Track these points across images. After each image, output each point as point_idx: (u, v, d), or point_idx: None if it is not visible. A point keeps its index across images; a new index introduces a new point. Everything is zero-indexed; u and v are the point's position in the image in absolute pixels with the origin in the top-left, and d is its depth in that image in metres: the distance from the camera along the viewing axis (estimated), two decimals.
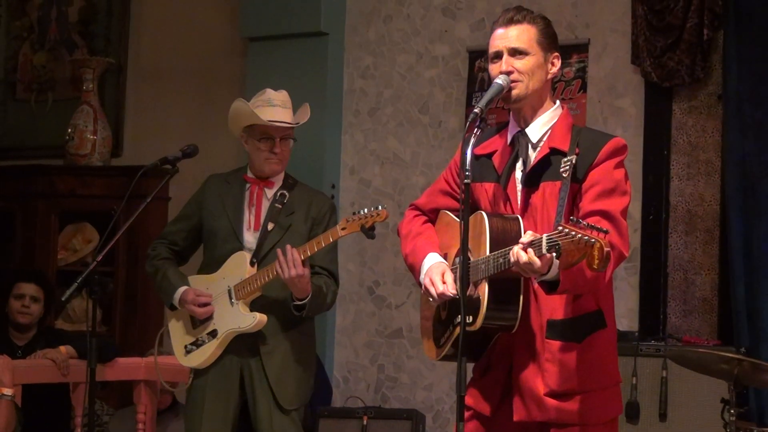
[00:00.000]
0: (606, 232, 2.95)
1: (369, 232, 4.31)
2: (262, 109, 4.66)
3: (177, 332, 4.76)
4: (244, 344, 4.61)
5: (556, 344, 3.35)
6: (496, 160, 3.49)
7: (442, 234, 3.61)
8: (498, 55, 3.44)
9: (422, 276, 3.51)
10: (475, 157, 3.34)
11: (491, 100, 3.34)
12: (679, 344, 5.43)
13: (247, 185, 4.75)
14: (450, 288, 3.40)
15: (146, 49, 7.41)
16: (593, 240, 2.92)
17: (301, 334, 4.69)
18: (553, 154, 3.38)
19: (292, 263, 4.39)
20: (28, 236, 7.10)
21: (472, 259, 3.33)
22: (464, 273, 3.19)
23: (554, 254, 3.04)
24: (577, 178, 3.33)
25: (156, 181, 4.70)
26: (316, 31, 6.59)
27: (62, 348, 5.40)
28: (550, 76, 3.47)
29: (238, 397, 4.67)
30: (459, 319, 3.22)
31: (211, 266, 4.72)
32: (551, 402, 3.34)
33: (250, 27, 6.77)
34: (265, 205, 4.70)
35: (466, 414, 3.44)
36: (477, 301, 3.30)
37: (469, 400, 3.45)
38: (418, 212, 3.73)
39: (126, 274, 6.91)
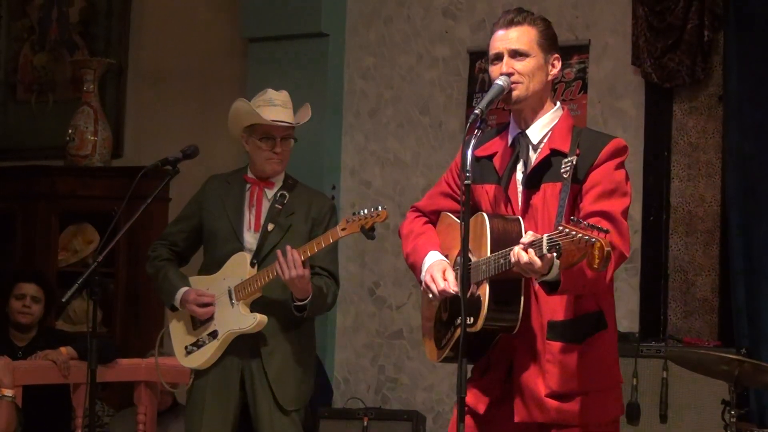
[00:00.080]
0: (606, 232, 2.95)
1: (369, 232, 4.30)
2: (264, 109, 4.67)
3: (178, 333, 4.76)
4: (244, 345, 4.61)
5: (556, 345, 3.35)
6: (496, 161, 3.49)
7: (443, 235, 3.61)
8: (498, 57, 3.44)
9: (423, 274, 3.51)
10: (475, 158, 3.35)
11: (492, 101, 3.35)
12: (679, 345, 5.42)
13: (248, 186, 4.75)
14: (451, 285, 3.40)
15: (147, 50, 7.41)
16: (594, 239, 2.92)
17: (301, 334, 4.69)
18: (554, 156, 3.38)
19: (292, 264, 4.39)
20: (29, 237, 7.10)
21: (473, 260, 3.34)
22: (465, 274, 3.19)
23: (555, 254, 3.04)
24: (578, 178, 3.33)
25: (156, 182, 4.69)
26: (317, 32, 6.59)
27: (63, 349, 5.40)
28: (550, 78, 3.47)
29: (239, 397, 4.67)
30: (460, 320, 3.23)
31: (211, 267, 4.72)
32: (552, 403, 3.34)
33: (250, 28, 6.77)
34: (266, 206, 4.70)
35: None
36: (478, 302, 3.30)
37: (467, 399, 3.45)
38: (419, 214, 3.73)
39: (126, 275, 6.91)
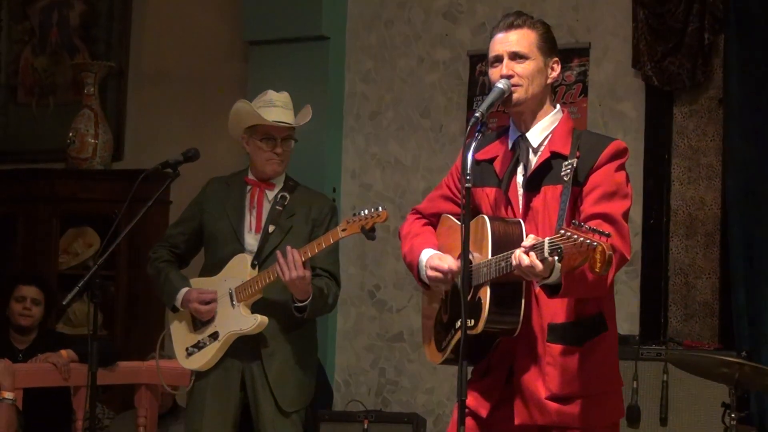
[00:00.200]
0: (608, 236, 2.95)
1: (369, 233, 4.31)
2: (264, 110, 4.68)
3: (178, 335, 4.76)
4: (245, 346, 4.61)
5: (557, 348, 3.35)
6: (497, 164, 3.49)
7: (443, 237, 3.62)
8: (498, 59, 3.45)
9: (422, 271, 3.51)
10: (476, 162, 3.35)
11: (492, 104, 3.35)
12: (680, 348, 5.42)
13: (248, 187, 4.75)
14: (455, 264, 3.39)
15: (147, 52, 7.42)
16: (595, 243, 2.92)
17: (302, 336, 4.69)
18: (554, 158, 3.39)
19: (292, 265, 4.40)
20: (30, 240, 7.10)
21: (473, 262, 3.34)
22: (465, 276, 3.19)
23: (556, 258, 3.04)
24: (578, 181, 3.34)
25: (157, 184, 4.70)
26: (318, 35, 6.60)
27: (63, 352, 5.40)
28: (550, 81, 3.48)
29: (239, 399, 4.67)
30: (460, 322, 3.23)
31: (212, 269, 4.72)
32: (552, 405, 3.34)
33: (251, 31, 6.77)
34: (266, 208, 4.71)
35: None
36: (479, 305, 3.30)
37: (467, 401, 3.45)
38: (419, 216, 3.74)
39: (127, 277, 6.91)
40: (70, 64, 7.45)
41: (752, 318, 5.52)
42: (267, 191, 4.73)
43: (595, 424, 3.38)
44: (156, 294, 4.95)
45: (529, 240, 3.13)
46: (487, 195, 3.49)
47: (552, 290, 3.20)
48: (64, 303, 4.49)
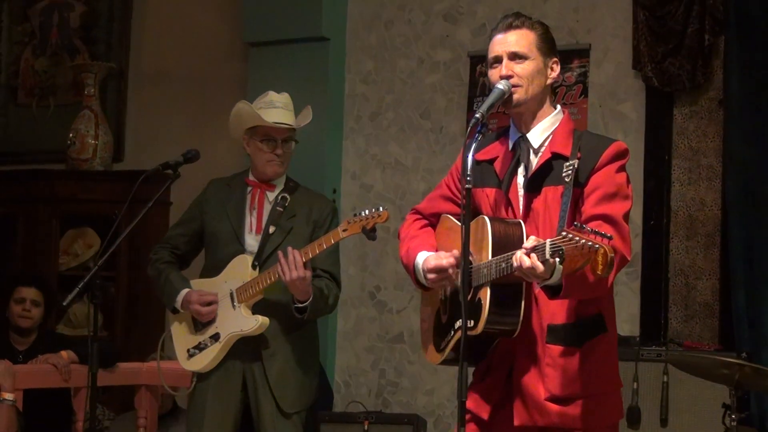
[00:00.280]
0: (610, 238, 2.94)
1: (370, 233, 4.30)
2: (265, 111, 4.68)
3: (179, 336, 4.76)
4: (246, 347, 4.61)
5: (556, 349, 3.35)
6: (497, 165, 3.50)
7: (443, 238, 3.62)
8: (498, 60, 3.45)
9: (419, 274, 3.51)
10: (476, 162, 3.35)
11: (493, 105, 3.35)
12: (680, 349, 5.42)
13: (249, 188, 4.76)
14: (453, 257, 3.39)
15: (148, 54, 7.42)
16: (597, 246, 2.92)
17: (303, 337, 4.69)
18: (555, 159, 3.39)
19: (293, 265, 4.40)
20: (30, 241, 7.10)
21: (473, 263, 3.34)
22: (465, 277, 3.19)
23: (557, 260, 3.03)
24: (579, 182, 3.34)
25: (157, 185, 4.70)
26: (318, 36, 6.60)
27: (63, 353, 5.40)
28: (549, 81, 3.48)
29: (241, 400, 4.67)
30: (460, 323, 3.23)
31: (212, 270, 4.72)
32: (552, 407, 3.34)
33: (251, 32, 6.77)
34: (267, 209, 4.71)
35: (466, 418, 3.44)
36: (478, 306, 3.30)
37: (468, 404, 3.45)
38: (418, 216, 3.74)
39: (127, 278, 6.91)
40: (70, 65, 7.45)
41: (752, 319, 5.53)
42: (268, 192, 4.74)
43: (595, 425, 3.38)
44: (156, 295, 4.95)
45: (530, 241, 3.13)
46: (487, 195, 3.49)
47: (552, 291, 3.20)
48: (64, 304, 4.49)
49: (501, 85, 3.40)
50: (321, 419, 5.91)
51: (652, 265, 5.90)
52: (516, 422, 3.38)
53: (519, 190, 3.44)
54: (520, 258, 3.12)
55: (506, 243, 3.29)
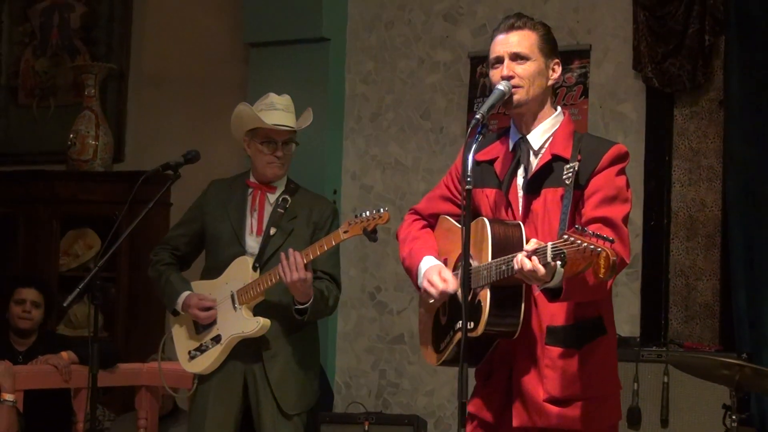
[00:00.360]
0: (612, 241, 2.94)
1: (371, 234, 4.30)
2: (265, 113, 4.67)
3: (181, 338, 4.76)
4: (247, 349, 4.61)
5: (556, 350, 3.35)
6: (497, 166, 3.49)
7: (442, 239, 3.61)
8: (499, 60, 3.44)
9: (420, 279, 3.51)
10: (476, 162, 3.35)
11: (493, 106, 3.35)
12: (680, 350, 5.42)
13: (250, 190, 4.75)
14: (450, 285, 3.39)
15: (148, 54, 7.42)
16: (599, 249, 2.91)
17: (304, 338, 4.69)
18: (555, 161, 3.38)
19: (294, 267, 4.39)
20: (30, 242, 7.10)
21: (473, 265, 3.33)
22: (465, 279, 3.19)
23: (559, 263, 3.03)
24: (579, 184, 3.33)
25: (158, 186, 4.70)
26: (318, 37, 6.60)
27: (64, 353, 5.41)
28: (550, 83, 3.48)
29: (242, 402, 4.67)
30: (460, 324, 3.22)
31: (213, 271, 4.72)
32: (551, 408, 3.34)
33: (251, 33, 6.77)
34: (268, 210, 4.71)
35: (472, 424, 3.44)
36: (478, 307, 3.30)
37: (472, 408, 3.45)
38: (417, 217, 3.73)
39: (128, 279, 6.91)
40: (70, 65, 7.45)
41: (753, 320, 5.52)
42: (268, 194, 4.73)
43: (594, 426, 3.39)
44: (157, 296, 4.95)
45: (531, 244, 3.13)
46: (487, 196, 3.49)
47: (552, 294, 3.20)
48: (64, 305, 4.48)
49: (501, 86, 3.39)
50: (321, 420, 5.90)
51: (653, 266, 5.90)
52: (515, 423, 3.38)
53: (518, 191, 3.44)
54: (522, 261, 3.11)
55: (506, 245, 3.28)
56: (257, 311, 4.59)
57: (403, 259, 3.64)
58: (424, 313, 3.65)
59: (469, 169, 3.20)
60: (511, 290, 3.29)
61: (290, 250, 4.43)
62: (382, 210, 4.30)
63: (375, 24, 6.69)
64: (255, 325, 4.55)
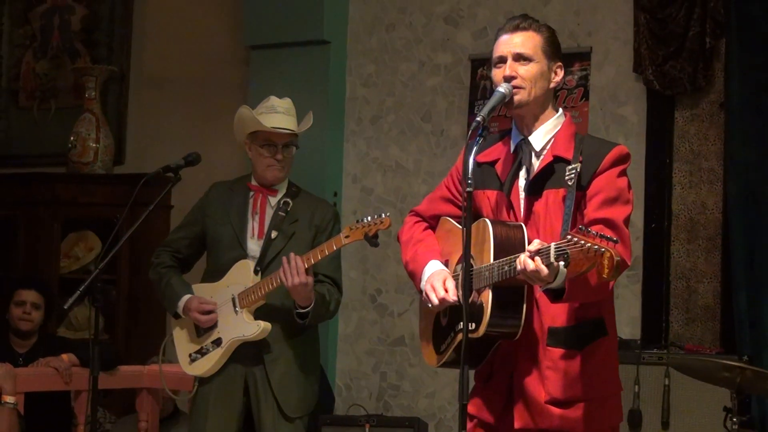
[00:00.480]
0: (616, 241, 2.94)
1: (372, 240, 4.30)
2: (266, 116, 4.68)
3: (182, 341, 4.76)
4: (248, 352, 4.61)
5: (557, 352, 3.35)
6: (498, 167, 3.49)
7: (443, 241, 3.61)
8: (502, 60, 3.44)
9: (423, 283, 3.51)
10: (477, 164, 3.35)
11: (493, 109, 3.35)
12: (681, 352, 5.42)
13: (251, 193, 4.75)
14: (451, 294, 3.40)
15: (149, 57, 7.42)
16: (603, 249, 2.91)
17: (304, 341, 4.69)
18: (557, 162, 3.39)
19: (295, 271, 4.39)
20: (31, 244, 7.10)
21: (474, 266, 3.33)
22: (466, 280, 3.19)
23: (562, 263, 3.03)
24: (581, 185, 3.33)
25: (158, 189, 4.70)
26: (319, 40, 6.60)
27: (64, 356, 5.41)
28: (552, 85, 3.48)
29: (242, 405, 4.67)
30: (461, 325, 3.22)
31: (214, 274, 4.72)
32: (552, 409, 3.34)
33: (252, 35, 6.78)
34: (269, 213, 4.71)
35: (471, 423, 3.44)
36: (480, 309, 3.30)
37: (472, 409, 3.45)
38: (418, 218, 3.73)
39: (128, 282, 6.91)
40: (71, 68, 7.45)
41: (754, 322, 5.52)
42: (270, 197, 4.74)
43: (595, 428, 3.39)
44: (157, 299, 4.95)
45: (534, 245, 3.13)
46: (488, 198, 3.49)
47: (555, 295, 3.20)
48: (65, 307, 4.49)
49: (502, 88, 3.40)
50: (322, 422, 5.90)
51: (654, 268, 5.89)
52: (516, 425, 3.38)
53: (520, 192, 3.44)
54: (524, 261, 3.11)
55: (508, 246, 3.28)
56: (258, 315, 4.59)
57: (406, 263, 3.64)
58: (425, 314, 3.65)
59: (470, 170, 3.20)
60: (513, 291, 3.29)
61: (291, 255, 4.43)
62: (383, 215, 4.30)
63: (376, 26, 6.69)
64: (256, 328, 4.55)
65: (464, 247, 3.18)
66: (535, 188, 3.40)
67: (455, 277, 3.45)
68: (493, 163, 3.51)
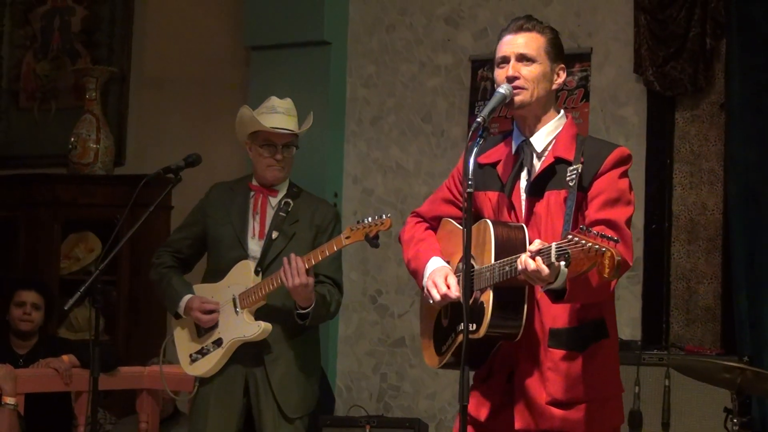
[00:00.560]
0: (616, 241, 2.94)
1: (373, 241, 4.30)
2: (265, 116, 4.68)
3: (182, 341, 4.76)
4: (248, 353, 4.61)
5: (558, 353, 3.35)
6: (500, 169, 3.49)
7: (444, 242, 3.61)
8: (505, 60, 3.45)
9: (425, 279, 3.51)
10: (478, 165, 3.35)
11: (494, 110, 3.35)
12: (682, 353, 5.42)
13: (252, 193, 4.75)
14: (453, 290, 3.39)
15: (149, 58, 7.42)
16: (604, 249, 2.91)
17: (305, 342, 4.69)
18: (558, 164, 3.39)
19: (296, 272, 4.39)
20: (31, 245, 7.10)
21: (475, 266, 3.33)
22: (467, 281, 3.19)
23: (563, 263, 3.03)
24: (583, 186, 3.33)
25: (159, 190, 4.70)
26: (319, 41, 6.60)
27: (65, 357, 5.41)
28: (555, 87, 3.48)
29: (243, 405, 4.67)
30: (462, 326, 3.22)
31: (215, 274, 4.72)
32: (553, 410, 3.34)
33: (252, 36, 6.78)
34: (270, 214, 4.71)
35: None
36: (481, 309, 3.29)
37: (468, 408, 3.44)
38: (419, 219, 3.73)
39: (129, 283, 6.91)
40: (71, 69, 7.45)
41: (754, 323, 5.52)
42: (270, 197, 4.74)
43: (596, 429, 3.38)
44: (159, 299, 4.95)
45: (535, 245, 3.13)
46: (489, 199, 3.49)
47: (556, 295, 3.20)
48: (66, 308, 4.49)
49: (502, 90, 3.40)
50: (323, 423, 5.90)
51: (654, 269, 5.90)
52: (517, 426, 3.38)
53: (521, 193, 3.44)
54: (525, 261, 3.11)
55: (509, 246, 3.28)
56: (259, 315, 4.59)
57: (408, 261, 3.64)
58: (426, 314, 3.65)
59: (470, 172, 3.20)
60: (514, 292, 3.29)
61: (292, 255, 4.43)
62: (384, 216, 4.30)
63: (376, 27, 6.69)
64: (256, 329, 4.55)
65: (464, 248, 3.18)
66: (536, 189, 3.40)
67: (457, 277, 3.45)
68: (494, 165, 3.51)
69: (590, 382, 3.35)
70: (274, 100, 4.74)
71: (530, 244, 3.20)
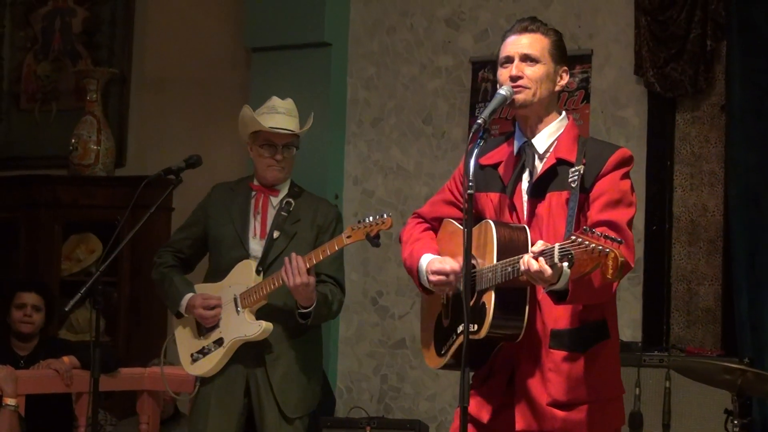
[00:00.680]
0: (620, 242, 2.94)
1: (374, 240, 4.30)
2: (266, 116, 4.68)
3: (183, 341, 4.76)
4: (249, 352, 4.61)
5: (559, 354, 3.35)
6: (501, 170, 3.50)
7: (446, 242, 3.61)
8: (509, 60, 3.45)
9: (422, 276, 3.51)
10: (480, 167, 3.35)
11: (495, 111, 3.35)
12: (682, 355, 5.42)
13: (253, 193, 4.76)
14: (456, 264, 3.39)
15: (150, 59, 7.42)
16: (608, 250, 2.91)
17: (306, 342, 4.69)
18: (560, 165, 3.39)
19: (297, 271, 4.40)
20: (32, 246, 7.10)
21: (477, 267, 3.34)
22: (467, 282, 3.19)
23: (566, 264, 3.03)
24: (584, 188, 3.34)
25: (159, 191, 4.70)
26: (320, 42, 6.60)
27: (65, 358, 5.41)
28: (557, 88, 3.49)
29: (243, 405, 4.67)
30: (462, 327, 3.22)
31: (216, 274, 4.72)
32: (554, 412, 3.34)
33: (253, 37, 6.78)
34: (271, 213, 4.71)
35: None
36: (482, 310, 3.29)
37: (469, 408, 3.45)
38: (420, 220, 3.74)
39: (129, 284, 6.91)
40: (72, 70, 7.46)
41: (755, 324, 5.52)
42: (272, 197, 4.74)
43: (597, 430, 3.38)
44: (160, 299, 4.95)
45: (538, 245, 3.13)
46: (491, 200, 3.49)
47: (558, 296, 3.20)
48: (66, 309, 4.50)
49: (503, 91, 3.40)
50: (323, 424, 5.91)
51: (655, 271, 5.90)
52: (518, 427, 3.38)
53: (523, 195, 3.44)
54: (528, 261, 3.11)
55: (511, 247, 3.28)
56: (260, 315, 4.59)
57: (404, 261, 3.64)
58: (427, 315, 3.65)
59: (471, 173, 3.20)
60: (516, 293, 3.28)
61: (293, 255, 4.44)
62: (385, 215, 4.30)
63: (377, 29, 6.70)
64: (257, 328, 4.56)
65: (465, 249, 3.18)
66: (538, 190, 3.40)
67: (458, 278, 3.44)
68: (496, 166, 3.51)
69: (591, 383, 3.35)
70: (275, 101, 4.74)
71: (532, 245, 3.20)
